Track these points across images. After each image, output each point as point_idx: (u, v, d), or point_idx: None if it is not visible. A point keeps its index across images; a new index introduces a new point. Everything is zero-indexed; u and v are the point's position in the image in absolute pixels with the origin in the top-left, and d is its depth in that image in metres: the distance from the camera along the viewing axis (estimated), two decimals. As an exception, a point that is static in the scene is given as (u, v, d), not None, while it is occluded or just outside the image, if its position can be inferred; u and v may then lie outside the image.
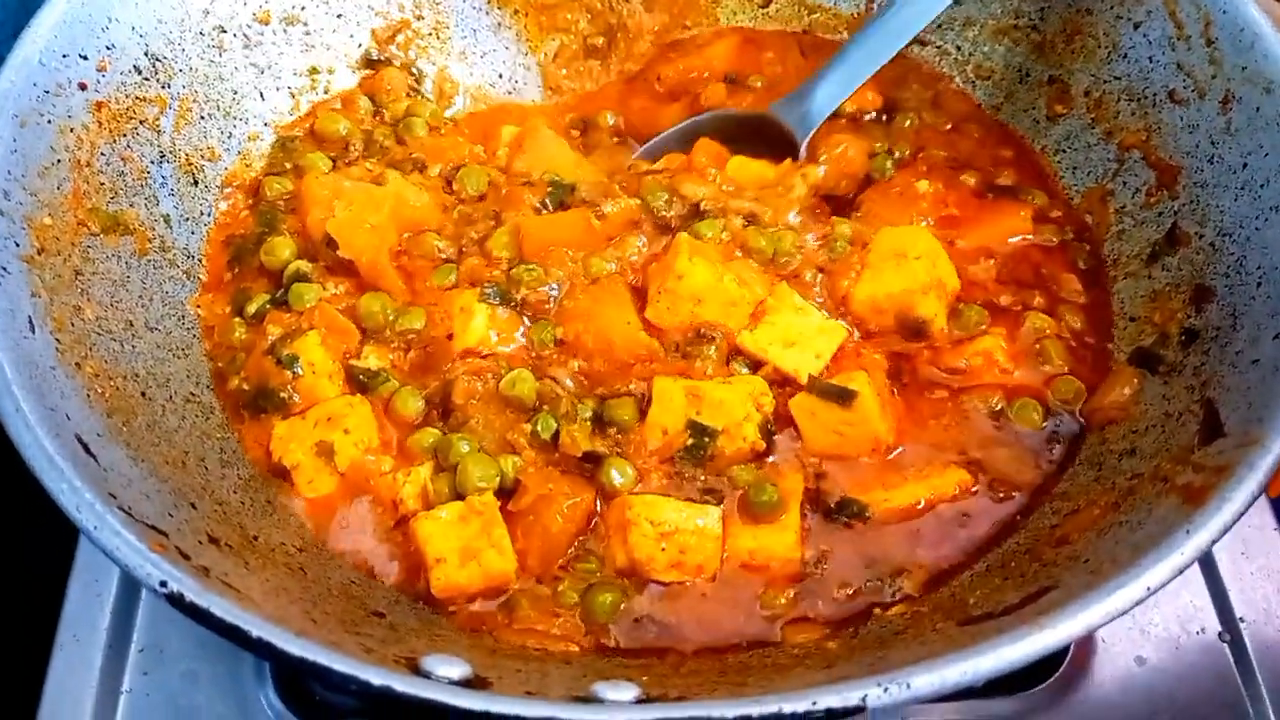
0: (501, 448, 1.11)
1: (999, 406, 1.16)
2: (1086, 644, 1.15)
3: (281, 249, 1.23)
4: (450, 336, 1.18)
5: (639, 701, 0.84)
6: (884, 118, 1.43)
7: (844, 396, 1.11)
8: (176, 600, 0.81)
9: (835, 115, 1.37)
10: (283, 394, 1.14)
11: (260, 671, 1.14)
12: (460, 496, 1.07)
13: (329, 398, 1.14)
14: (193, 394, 1.14)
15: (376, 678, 0.78)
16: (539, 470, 1.10)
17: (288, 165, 1.33)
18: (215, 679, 1.14)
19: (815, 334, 1.16)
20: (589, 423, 1.12)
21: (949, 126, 1.42)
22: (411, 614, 1.03)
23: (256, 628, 0.80)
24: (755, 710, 0.77)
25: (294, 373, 1.14)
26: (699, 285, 1.15)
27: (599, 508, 1.09)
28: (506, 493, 1.09)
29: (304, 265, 1.22)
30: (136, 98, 1.21)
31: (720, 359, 1.16)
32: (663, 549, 1.04)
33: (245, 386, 1.16)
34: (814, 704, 0.77)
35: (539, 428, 1.11)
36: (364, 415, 1.13)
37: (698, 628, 1.04)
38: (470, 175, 1.31)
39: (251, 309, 1.21)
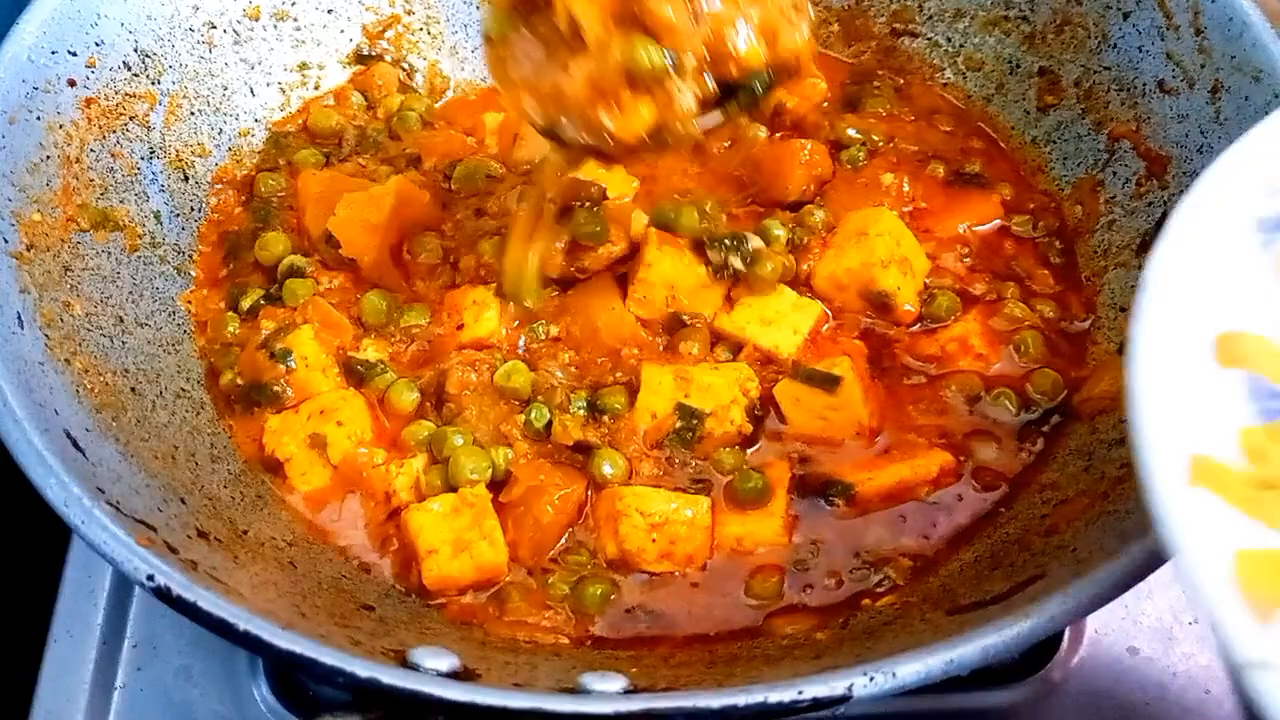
0: (495, 439, 1.12)
1: (978, 395, 1.16)
2: (1079, 634, 1.15)
3: (276, 244, 1.24)
4: (461, 327, 1.18)
5: (626, 692, 0.85)
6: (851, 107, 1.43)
7: (829, 382, 1.12)
8: (163, 594, 0.82)
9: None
10: (276, 388, 1.14)
11: (254, 666, 1.13)
12: (453, 488, 1.07)
13: (322, 391, 1.14)
14: (183, 389, 1.14)
15: (363, 670, 0.79)
16: (530, 462, 1.10)
17: (281, 161, 1.33)
18: (209, 674, 1.13)
19: (791, 310, 1.18)
20: (582, 413, 1.12)
21: (913, 119, 1.42)
22: (402, 607, 1.03)
23: (244, 621, 0.81)
24: (741, 700, 0.78)
25: (287, 366, 1.15)
26: (669, 271, 1.17)
27: (590, 499, 1.09)
28: (498, 484, 1.09)
29: (298, 260, 1.23)
30: (126, 94, 1.21)
31: (704, 346, 1.16)
32: (653, 540, 1.05)
33: (239, 381, 1.16)
34: (800, 693, 0.78)
35: (533, 417, 1.12)
36: (357, 408, 1.13)
37: (688, 618, 1.04)
38: (466, 171, 1.31)
39: (246, 304, 1.21)
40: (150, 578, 0.82)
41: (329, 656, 0.79)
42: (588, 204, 1.22)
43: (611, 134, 0.97)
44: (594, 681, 0.85)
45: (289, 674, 1.14)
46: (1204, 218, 0.79)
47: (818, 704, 0.78)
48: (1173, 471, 0.67)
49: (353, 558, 1.08)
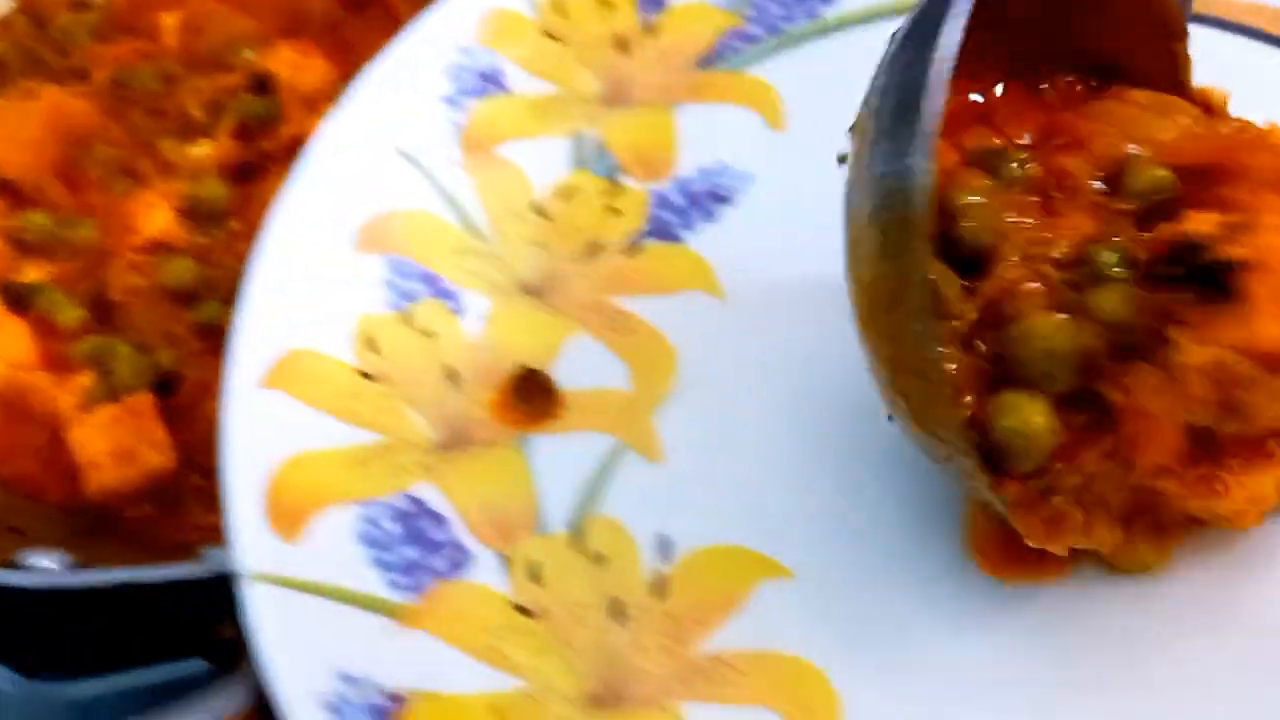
0: (164, 342, 1.05)
1: None
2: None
3: (-82, 179, 1.15)
4: (132, 231, 1.11)
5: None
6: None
7: None
8: None
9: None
10: (-72, 326, 1.06)
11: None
12: (116, 398, 1.00)
13: (-23, 322, 1.07)
14: None
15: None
16: (199, 359, 1.04)
17: (-62, 96, 1.24)
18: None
19: None
20: (255, 301, 1.05)
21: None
22: (63, 527, 0.96)
23: None
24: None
25: (-63, 302, 1.07)
26: None
27: (265, 389, 1.02)
28: (168, 387, 1.02)
29: (-55, 193, 1.15)
30: None
31: None
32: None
33: (-109, 327, 1.08)
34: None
35: (202, 314, 1.05)
36: (15, 333, 1.06)
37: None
38: (136, 74, 1.22)
39: (-100, 247, 1.13)
40: None
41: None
42: (253, 90, 1.15)
43: None
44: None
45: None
46: (380, 94, 0.74)
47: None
48: (247, 376, 0.65)
49: (18, 487, 1.01)
